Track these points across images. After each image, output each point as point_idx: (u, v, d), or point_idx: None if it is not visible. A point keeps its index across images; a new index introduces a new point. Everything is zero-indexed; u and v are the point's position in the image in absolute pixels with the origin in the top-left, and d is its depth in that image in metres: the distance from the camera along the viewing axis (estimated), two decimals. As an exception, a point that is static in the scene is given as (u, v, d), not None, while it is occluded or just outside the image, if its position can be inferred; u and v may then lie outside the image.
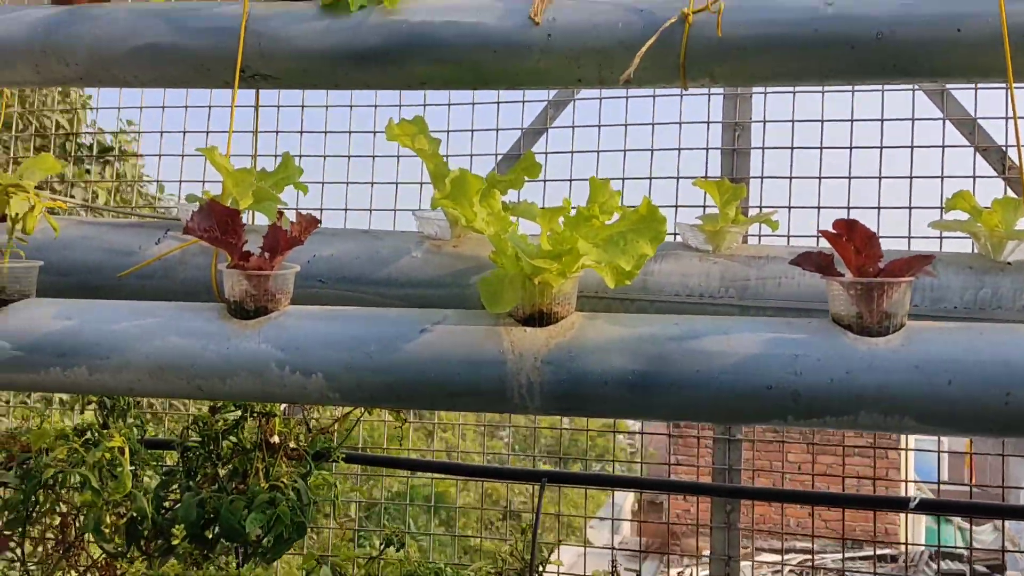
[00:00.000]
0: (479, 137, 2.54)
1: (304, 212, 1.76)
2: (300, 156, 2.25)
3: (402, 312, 1.74)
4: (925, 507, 1.95)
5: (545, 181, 2.46)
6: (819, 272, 1.56)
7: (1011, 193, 2.23)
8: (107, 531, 1.96)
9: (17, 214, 1.82)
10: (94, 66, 2.05)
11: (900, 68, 1.80)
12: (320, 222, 1.78)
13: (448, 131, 2.56)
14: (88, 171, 5.23)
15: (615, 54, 1.83)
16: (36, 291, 1.87)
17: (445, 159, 2.04)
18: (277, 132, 2.58)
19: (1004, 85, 1.93)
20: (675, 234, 2.05)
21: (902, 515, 6.57)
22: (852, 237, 1.54)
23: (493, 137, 2.55)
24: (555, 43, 1.85)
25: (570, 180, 2.49)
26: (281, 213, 1.91)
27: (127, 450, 1.98)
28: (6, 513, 2.11)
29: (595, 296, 1.86)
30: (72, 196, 4.17)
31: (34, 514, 2.19)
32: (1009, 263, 1.76)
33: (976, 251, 1.82)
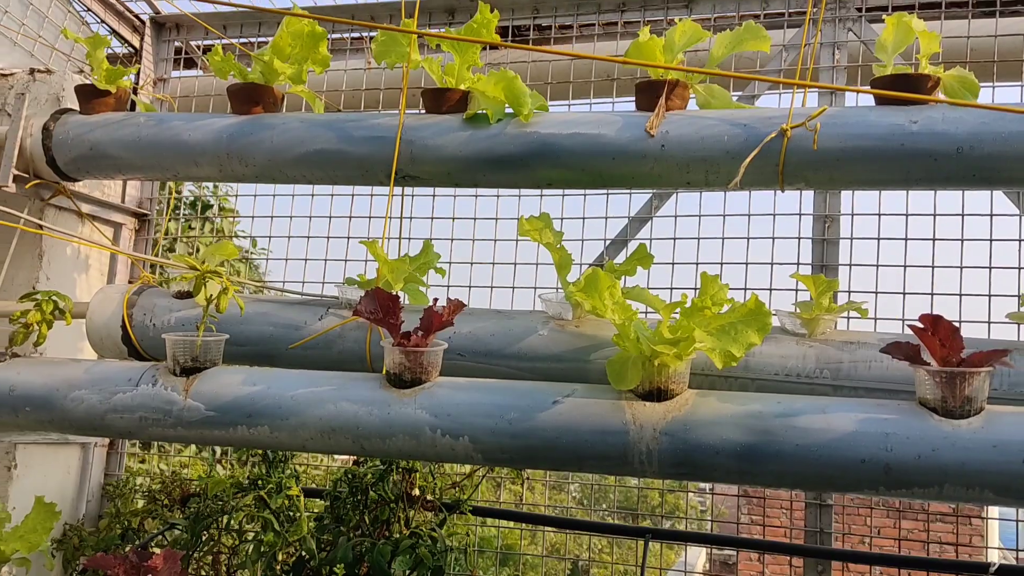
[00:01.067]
0: (588, 223, 2.83)
1: (452, 298, 2.06)
2: (432, 239, 2.56)
3: (536, 384, 2.01)
4: (1004, 573, 2.10)
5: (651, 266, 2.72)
6: (907, 360, 1.78)
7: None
8: (277, 568, 2.26)
9: (211, 295, 2.17)
10: (269, 167, 2.41)
11: (979, 177, 2.01)
12: (465, 305, 2.08)
13: (562, 218, 2.85)
14: (191, 227, 5.70)
15: (720, 162, 2.09)
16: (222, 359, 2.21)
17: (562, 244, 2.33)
18: (412, 218, 2.92)
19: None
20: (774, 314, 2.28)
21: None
22: (937, 331, 1.76)
23: (603, 223, 2.83)
24: (668, 152, 2.12)
25: (672, 264, 2.75)
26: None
27: (302, 498, 2.28)
28: (176, 547, 2.43)
29: (702, 374, 2.11)
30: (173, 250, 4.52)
31: (195, 553, 2.51)
32: (1083, 353, 1.95)
33: (1052, 341, 2.02)
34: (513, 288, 2.85)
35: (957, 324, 2.39)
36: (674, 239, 2.76)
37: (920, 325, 1.77)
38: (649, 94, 2.21)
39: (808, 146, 2.04)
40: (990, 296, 2.41)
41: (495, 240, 2.93)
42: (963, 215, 2.49)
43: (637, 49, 2.23)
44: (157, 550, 2.13)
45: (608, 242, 2.86)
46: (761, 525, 3.01)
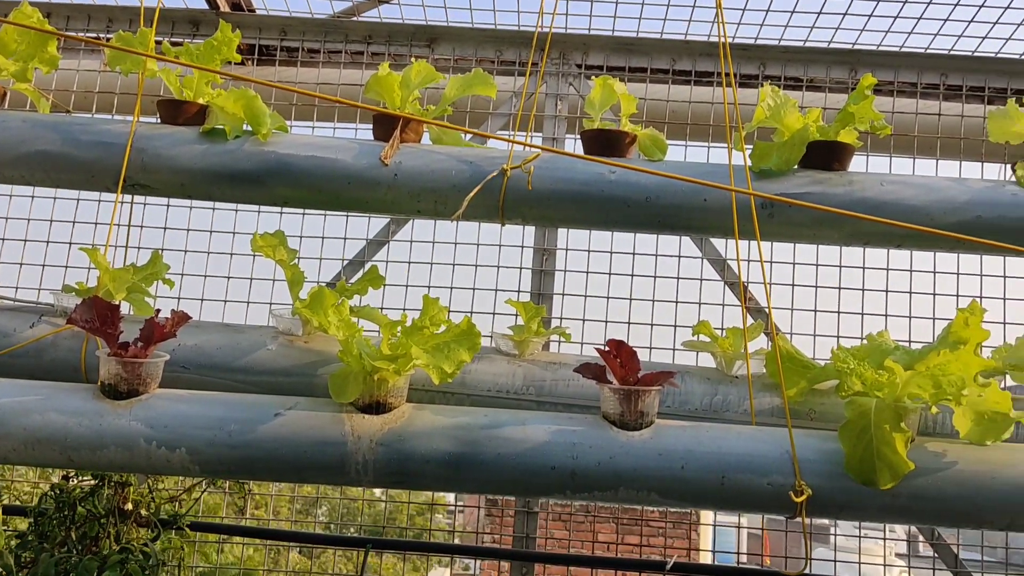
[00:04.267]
0: (328, 243, 2.91)
1: (177, 310, 2.06)
2: (163, 249, 2.52)
3: (259, 397, 2.06)
4: (677, 569, 2.43)
5: (385, 286, 2.84)
6: (595, 379, 2.03)
7: (751, 319, 2.85)
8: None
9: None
10: (-16, 164, 2.27)
11: (665, 224, 2.34)
12: (191, 317, 2.09)
13: (301, 236, 2.91)
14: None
15: (448, 194, 2.27)
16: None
17: (298, 260, 2.40)
18: (142, 227, 2.84)
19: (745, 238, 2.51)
20: (490, 336, 2.49)
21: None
22: (620, 354, 2.02)
23: (341, 244, 2.93)
24: (400, 182, 2.26)
25: (406, 286, 2.90)
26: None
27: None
28: None
29: (423, 389, 2.26)
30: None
31: None
32: (736, 376, 2.32)
33: (715, 366, 2.37)
34: (248, 303, 2.86)
35: (648, 349, 2.74)
36: (409, 263, 2.92)
37: (606, 349, 2.03)
38: (386, 125, 2.34)
39: (524, 186, 2.26)
40: (675, 327, 2.78)
41: (231, 254, 2.93)
42: (656, 255, 2.85)
43: (377, 82, 2.36)
44: None
45: (346, 262, 2.96)
46: (502, 535, 3.21)
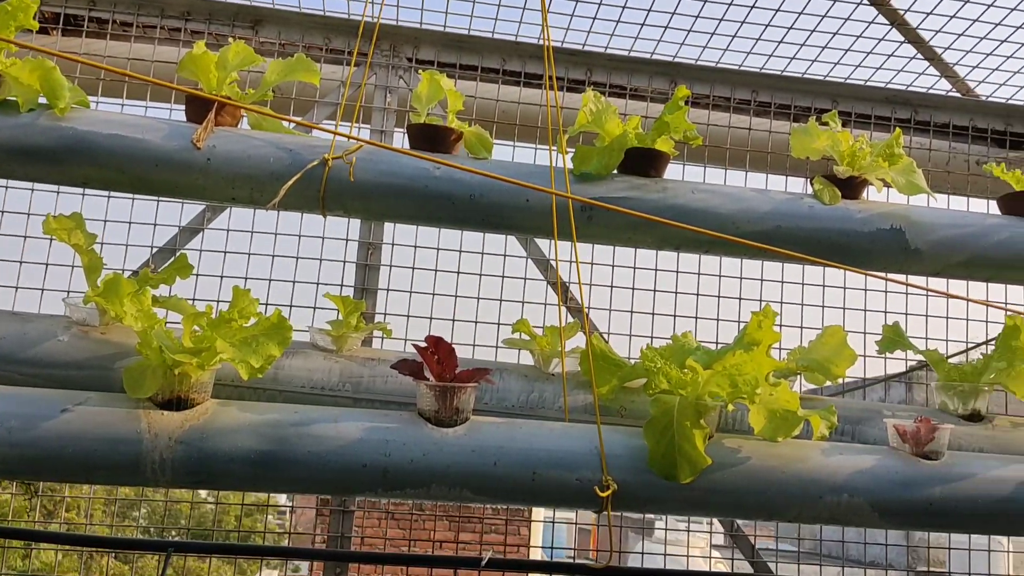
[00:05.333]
0: (136, 229, 2.74)
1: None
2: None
3: (45, 392, 1.90)
4: (492, 565, 2.44)
5: (198, 276, 2.71)
6: (411, 376, 2.01)
7: (572, 319, 2.92)
8: None
9: None
10: None
11: (489, 222, 2.34)
12: (-32, 304, 1.90)
13: (106, 220, 2.72)
14: None
15: (266, 182, 2.18)
16: None
17: (100, 246, 2.24)
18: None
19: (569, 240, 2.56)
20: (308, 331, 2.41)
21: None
22: (437, 351, 2.01)
23: (151, 230, 2.76)
24: (213, 167, 2.15)
25: (221, 277, 2.77)
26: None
27: None
28: None
29: (232, 385, 2.16)
30: None
31: None
32: (553, 374, 2.36)
33: (533, 363, 2.41)
34: (43, 291, 2.64)
35: (472, 347, 2.74)
36: (225, 252, 2.78)
37: (424, 345, 2.01)
38: (199, 107, 2.22)
39: (347, 177, 2.21)
40: (499, 324, 2.80)
41: (25, 237, 2.70)
42: (482, 253, 2.86)
43: (191, 61, 2.24)
44: None
45: (155, 250, 2.79)
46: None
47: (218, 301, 2.74)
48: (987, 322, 3.20)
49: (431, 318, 2.78)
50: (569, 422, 2.14)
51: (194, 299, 2.69)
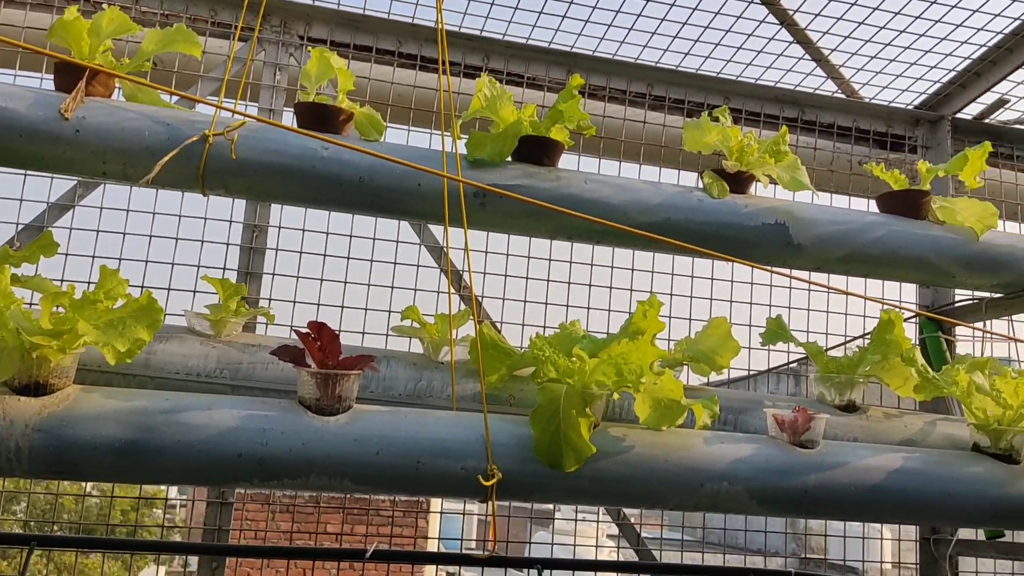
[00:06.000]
0: (2, 205, 2.56)
1: None
2: None
3: None
4: (377, 556, 2.39)
5: (67, 255, 2.56)
6: (292, 362, 1.94)
7: (465, 307, 2.88)
8: None
9: None
10: None
11: (379, 206, 2.29)
12: None
13: (-36, 196, 2.53)
14: None
15: (140, 156, 2.06)
16: None
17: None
18: None
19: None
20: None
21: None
22: (320, 337, 1.95)
23: (16, 206, 2.58)
24: (83, 139, 2.02)
25: (93, 257, 2.62)
26: None
27: None
28: None
29: (99, 371, 2.04)
30: None
31: None
32: (442, 362, 2.32)
33: (423, 351, 2.37)
34: None
35: (361, 334, 2.68)
36: (97, 231, 2.63)
37: (306, 331, 1.94)
38: (69, 76, 2.09)
39: (228, 154, 2.11)
40: (390, 312, 2.75)
41: None
42: (374, 239, 2.80)
43: (62, 27, 2.11)
44: None
45: (21, 227, 2.62)
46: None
47: (88, 283, 2.59)
48: (864, 317, 3.33)
49: (319, 304, 2.71)
50: (457, 411, 2.11)
51: (63, 280, 2.53)
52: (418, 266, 2.83)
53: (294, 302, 2.69)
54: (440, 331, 2.31)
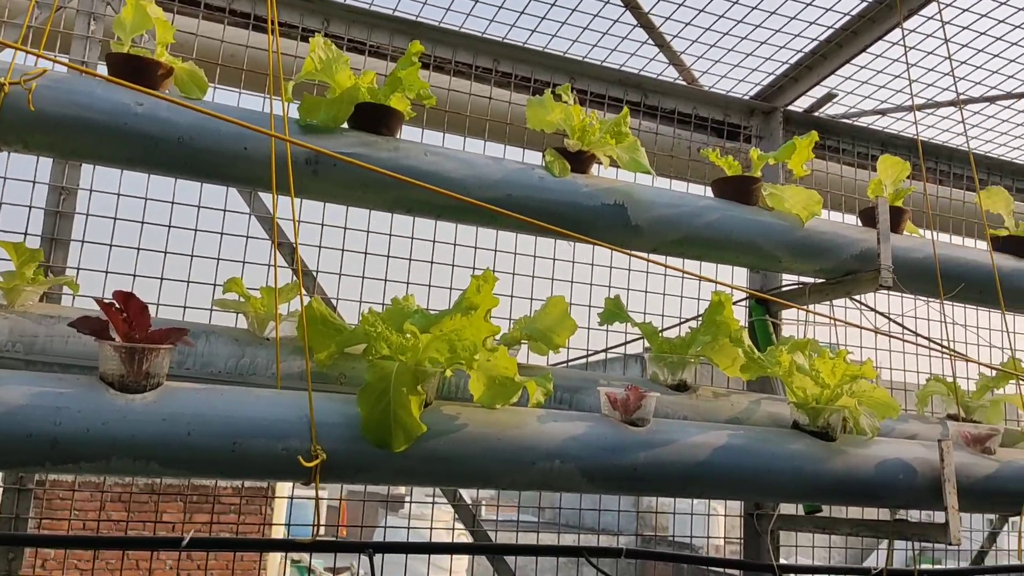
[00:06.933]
0: None
1: None
2: None
3: None
4: (194, 544, 2.24)
5: None
6: (94, 335, 1.76)
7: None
8: None
9: None
10: None
11: (201, 170, 2.14)
12: None
13: None
14: None
15: (-81, 104, 1.83)
16: None
17: None
18: None
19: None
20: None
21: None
22: (127, 308, 1.78)
23: None
24: None
25: None
26: None
27: None
28: None
29: None
30: None
31: None
32: (268, 339, 2.19)
33: (247, 326, 2.23)
34: None
35: (183, 309, 2.50)
36: None
37: (111, 301, 1.77)
38: None
39: (26, 106, 1.90)
40: (215, 285, 2.58)
41: None
42: (199, 207, 2.62)
43: None
44: None
45: None
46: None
47: None
48: (699, 300, 3.42)
49: (135, 275, 2.50)
50: (281, 389, 1.99)
51: None
52: (247, 237, 2.67)
53: (106, 272, 2.48)
54: (266, 305, 2.19)
